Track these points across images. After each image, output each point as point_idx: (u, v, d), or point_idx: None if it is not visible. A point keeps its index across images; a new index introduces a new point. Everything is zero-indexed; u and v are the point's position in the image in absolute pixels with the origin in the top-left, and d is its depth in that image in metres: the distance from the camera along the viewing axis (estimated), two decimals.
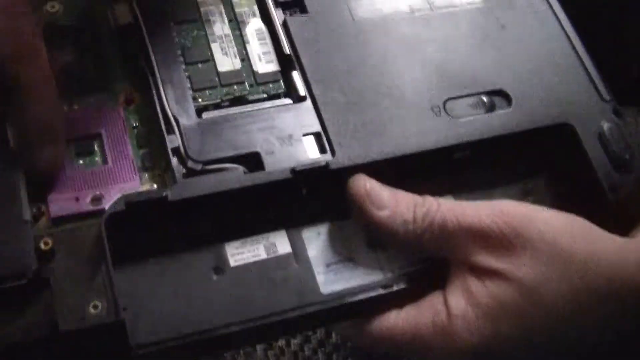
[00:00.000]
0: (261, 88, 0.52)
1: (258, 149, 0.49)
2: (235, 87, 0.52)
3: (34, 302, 0.44)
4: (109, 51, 0.52)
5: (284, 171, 0.48)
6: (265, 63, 0.53)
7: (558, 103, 0.54)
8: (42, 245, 0.45)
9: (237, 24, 0.54)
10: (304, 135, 0.50)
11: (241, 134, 0.50)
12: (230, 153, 0.49)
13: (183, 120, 0.49)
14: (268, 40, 0.54)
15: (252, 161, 0.49)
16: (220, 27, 0.53)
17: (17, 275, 0.43)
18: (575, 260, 0.47)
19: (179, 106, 0.50)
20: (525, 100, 0.54)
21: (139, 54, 0.51)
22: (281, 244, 0.49)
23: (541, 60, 0.56)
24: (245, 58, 0.53)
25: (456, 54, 0.55)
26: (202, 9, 0.54)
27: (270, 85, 0.52)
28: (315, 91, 0.51)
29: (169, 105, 0.50)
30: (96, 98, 0.51)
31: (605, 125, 0.53)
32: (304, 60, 0.52)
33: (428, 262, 0.50)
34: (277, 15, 0.54)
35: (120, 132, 0.50)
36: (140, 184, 0.49)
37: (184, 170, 0.48)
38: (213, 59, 0.52)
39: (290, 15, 0.55)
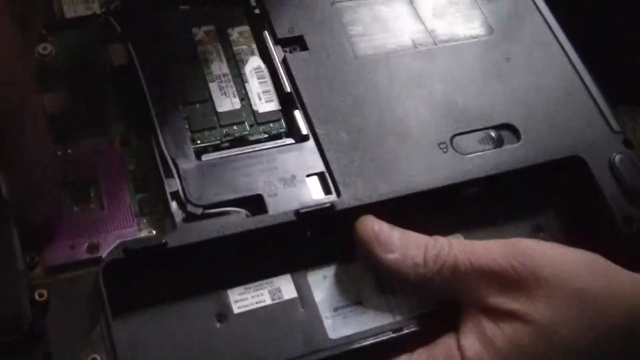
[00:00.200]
0: (262, 128, 0.51)
1: (260, 191, 0.48)
2: (235, 127, 0.50)
3: (29, 355, 0.42)
4: (103, 92, 0.50)
5: (288, 213, 0.47)
6: (265, 102, 0.51)
7: (567, 135, 0.53)
8: (37, 297, 0.43)
9: (235, 63, 0.53)
10: (308, 175, 0.49)
11: (242, 176, 0.48)
12: (232, 196, 0.47)
13: (182, 163, 0.48)
14: (268, 78, 0.52)
15: (255, 204, 0.47)
16: (218, 66, 0.52)
17: (11, 329, 0.41)
18: (592, 299, 0.46)
19: (177, 148, 0.48)
20: (534, 134, 0.52)
21: (135, 95, 0.50)
22: (286, 288, 0.47)
23: (548, 92, 0.54)
24: (244, 97, 0.51)
25: (462, 89, 0.53)
26: (199, 48, 0.52)
27: (271, 125, 0.51)
28: (318, 130, 0.50)
29: (166, 147, 0.48)
30: (91, 141, 0.49)
31: (617, 157, 0.52)
32: (305, 98, 0.51)
33: (439, 304, 0.48)
34: (276, 53, 0.53)
35: (116, 176, 0.48)
36: (138, 230, 0.47)
37: (183, 215, 0.47)
38: (211, 99, 0.51)
39: (290, 52, 0.53)
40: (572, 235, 0.51)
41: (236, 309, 0.46)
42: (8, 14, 0.43)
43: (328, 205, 0.47)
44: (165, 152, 0.48)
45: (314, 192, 0.48)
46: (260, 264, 0.47)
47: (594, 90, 0.54)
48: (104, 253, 0.45)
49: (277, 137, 0.51)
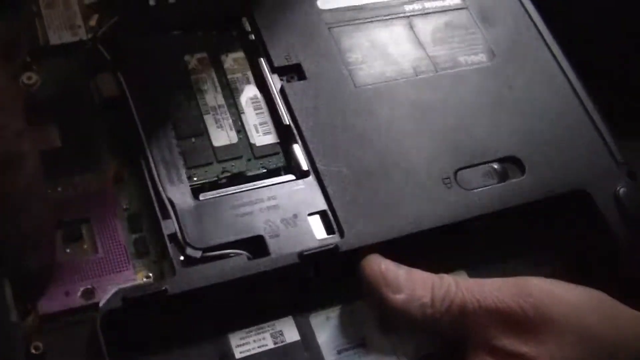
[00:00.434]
0: (260, 162, 0.49)
1: (261, 232, 0.46)
2: (232, 163, 0.48)
3: None
4: (93, 125, 0.48)
5: (291, 256, 0.45)
6: (262, 135, 0.50)
7: (571, 168, 0.52)
8: (33, 350, 0.42)
9: (230, 92, 0.51)
10: (310, 214, 0.47)
11: (242, 216, 0.46)
12: (232, 238, 0.46)
13: (179, 203, 0.46)
14: (265, 109, 0.50)
15: (256, 245, 0.46)
16: (213, 96, 0.50)
17: None
18: (599, 340, 0.45)
19: (173, 187, 0.46)
20: (538, 167, 0.51)
21: (127, 128, 0.47)
22: (288, 331, 0.46)
23: (551, 123, 0.53)
24: (241, 129, 0.50)
25: (464, 119, 0.52)
26: (192, 77, 0.50)
27: (270, 159, 0.49)
28: (319, 165, 0.48)
29: (162, 186, 0.46)
30: (82, 178, 0.47)
31: (621, 190, 0.51)
32: (305, 132, 0.49)
33: (445, 344, 0.47)
34: (273, 82, 0.51)
35: (110, 215, 0.46)
36: (134, 273, 0.45)
37: (182, 258, 0.45)
38: (207, 133, 0.49)
39: (288, 81, 0.51)
40: (576, 270, 0.50)
41: (238, 354, 0.45)
42: None
43: (332, 246, 0.46)
44: (162, 192, 0.46)
45: (316, 232, 0.47)
46: (261, 306, 0.46)
47: (597, 121, 0.53)
48: (99, 299, 0.43)
49: (276, 171, 0.49)
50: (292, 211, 0.47)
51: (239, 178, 0.48)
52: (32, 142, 0.42)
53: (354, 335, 0.47)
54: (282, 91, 0.50)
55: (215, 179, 0.48)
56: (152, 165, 0.46)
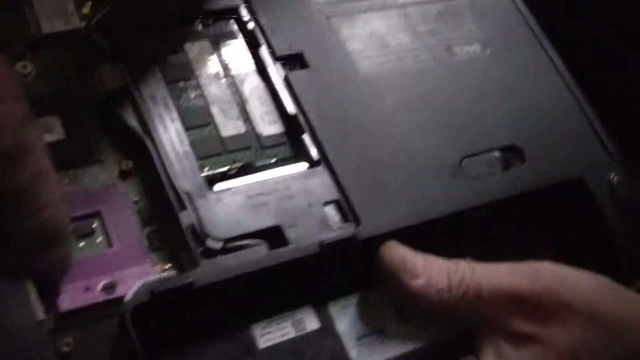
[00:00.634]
0: (268, 152, 0.48)
1: (279, 222, 0.45)
2: (241, 153, 0.48)
3: None
4: (95, 117, 0.46)
5: (312, 246, 0.45)
6: (268, 124, 0.49)
7: (568, 157, 0.53)
8: (64, 347, 0.40)
9: (233, 81, 0.50)
10: (324, 203, 0.47)
11: (258, 207, 0.46)
12: (250, 228, 0.45)
13: (194, 194, 0.45)
14: (269, 98, 0.50)
15: (274, 235, 0.45)
16: (217, 86, 0.49)
17: None
18: (610, 324, 0.46)
19: (186, 178, 0.45)
20: (537, 156, 0.52)
21: (133, 120, 0.46)
22: (309, 320, 0.46)
23: (546, 113, 0.55)
24: (247, 119, 0.49)
25: (464, 108, 0.53)
26: (194, 65, 0.49)
27: (277, 149, 0.49)
28: (330, 154, 0.48)
29: (176, 178, 0.45)
30: (87, 171, 0.45)
31: (615, 179, 0.53)
32: (313, 121, 0.49)
33: (460, 327, 0.48)
34: (276, 71, 0.50)
35: (121, 209, 0.45)
36: (153, 266, 0.44)
37: (201, 249, 0.44)
38: (214, 123, 0.48)
39: (290, 70, 0.51)
40: (573, 256, 0.51)
41: (262, 344, 0.44)
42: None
43: (350, 235, 0.46)
44: (177, 184, 0.45)
45: (331, 220, 0.47)
46: (281, 295, 0.45)
47: (589, 112, 0.55)
48: (121, 293, 0.42)
49: (284, 161, 0.48)
50: (306, 200, 0.47)
51: (249, 168, 0.47)
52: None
53: (372, 322, 0.47)
54: (287, 80, 0.50)
55: (226, 169, 0.47)
56: (164, 157, 0.45)
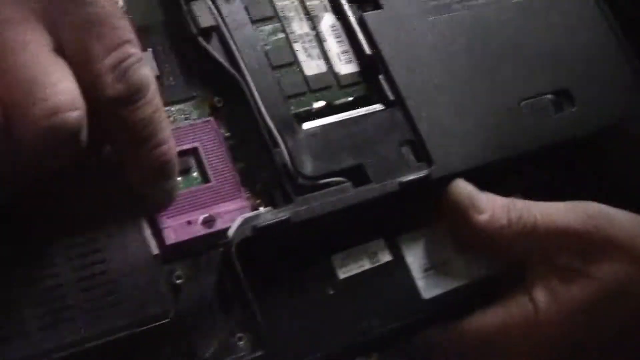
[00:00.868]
0: (345, 91, 0.51)
1: (361, 161, 0.48)
2: (324, 92, 0.50)
3: (172, 339, 0.42)
4: (188, 54, 0.48)
5: (392, 185, 0.48)
6: (345, 63, 0.51)
7: (615, 102, 0.56)
8: (176, 280, 0.43)
9: (312, 20, 0.51)
10: (400, 143, 0.50)
11: (343, 145, 0.48)
12: (336, 167, 0.48)
13: (286, 133, 0.47)
14: (344, 37, 0.52)
15: (357, 173, 0.48)
16: (299, 25, 0.51)
17: (157, 316, 0.41)
18: None
19: (277, 116, 0.47)
20: (586, 100, 0.55)
21: (224, 59, 0.48)
22: (382, 252, 0.49)
23: (594, 57, 0.57)
24: (326, 59, 0.51)
25: (520, 51, 0.55)
26: (276, 4, 0.50)
27: (354, 88, 0.51)
28: (405, 94, 0.50)
29: (268, 115, 0.47)
30: (182, 107, 0.47)
31: None
32: (388, 61, 0.51)
33: (514, 260, 0.52)
34: (351, 11, 0.52)
35: (215, 144, 0.47)
36: (246, 200, 0.46)
37: (292, 187, 0.47)
38: (298, 62, 0.50)
39: (364, 10, 0.52)
40: (613, 201, 0.54)
41: (341, 275, 0.48)
42: None
43: (426, 174, 0.49)
44: (270, 123, 0.47)
45: (407, 160, 0.50)
46: (358, 229, 0.49)
47: (629, 54, 0.58)
48: (220, 227, 0.45)
49: (361, 100, 0.51)
50: (383, 140, 0.49)
51: (331, 107, 0.50)
52: None
53: (437, 254, 0.51)
54: (362, 20, 0.52)
55: (309, 107, 0.49)
56: (256, 94, 0.47)
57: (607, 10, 0.59)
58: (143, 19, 0.48)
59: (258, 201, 0.47)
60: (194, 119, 0.47)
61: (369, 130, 0.49)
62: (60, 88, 0.36)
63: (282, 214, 0.45)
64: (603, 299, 0.50)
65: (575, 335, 0.50)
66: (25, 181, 0.38)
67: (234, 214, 0.46)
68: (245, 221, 0.45)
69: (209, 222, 0.45)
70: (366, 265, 0.49)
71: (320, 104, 0.50)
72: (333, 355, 0.47)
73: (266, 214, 0.45)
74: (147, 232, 0.43)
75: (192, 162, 0.46)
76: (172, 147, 0.41)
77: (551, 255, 0.51)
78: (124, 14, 0.40)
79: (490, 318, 0.50)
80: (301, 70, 0.50)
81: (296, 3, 0.51)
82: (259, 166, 0.47)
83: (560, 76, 0.56)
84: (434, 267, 0.50)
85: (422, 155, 0.50)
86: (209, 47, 0.47)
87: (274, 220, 0.45)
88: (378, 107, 0.51)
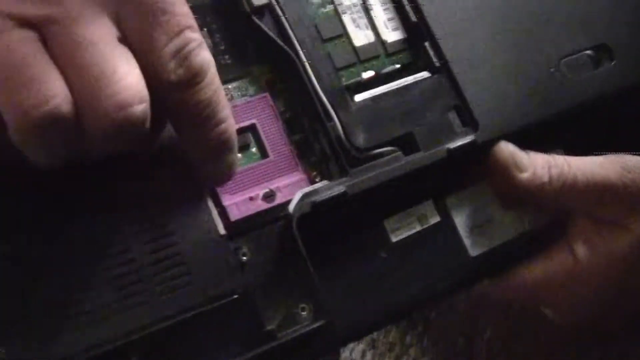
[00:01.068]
0: (392, 59, 0.52)
1: (410, 129, 0.50)
2: (372, 62, 0.52)
3: (240, 314, 0.45)
4: (242, 32, 0.49)
5: (441, 151, 0.50)
6: (391, 31, 0.52)
7: None
8: (243, 257, 0.46)
9: None
10: (446, 109, 0.52)
11: (392, 115, 0.50)
12: (386, 137, 0.50)
13: (338, 106, 0.49)
14: (390, 5, 0.53)
15: (406, 141, 0.50)
16: None
17: (226, 293, 0.44)
18: None
19: (329, 89, 0.49)
20: (625, 54, 0.56)
21: (277, 35, 0.49)
22: (431, 214, 0.52)
23: (628, 8, 0.57)
24: (374, 27, 0.52)
25: (557, 7, 0.56)
26: None
27: (400, 55, 0.52)
28: (450, 60, 0.52)
29: (321, 89, 0.49)
30: (238, 86, 0.49)
31: None
32: (433, 28, 0.52)
33: (555, 214, 0.54)
34: None
35: (272, 120, 0.49)
36: (303, 172, 0.49)
37: (346, 159, 0.49)
38: (347, 33, 0.51)
39: None
40: None
41: (394, 238, 0.51)
42: None
43: (472, 139, 0.51)
44: (323, 97, 0.49)
45: (454, 125, 0.52)
46: (408, 193, 0.51)
47: None
48: (280, 201, 0.47)
49: (408, 67, 0.52)
50: (430, 107, 0.51)
51: (380, 77, 0.52)
52: None
53: (482, 212, 0.53)
54: None
55: (360, 78, 0.51)
56: (309, 70, 0.49)
57: None
58: None
59: (314, 173, 0.49)
60: (251, 95, 0.49)
61: (416, 98, 0.51)
62: (127, 83, 0.38)
63: (338, 187, 0.47)
64: (637, 252, 0.53)
65: (613, 288, 0.53)
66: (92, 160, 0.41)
67: (293, 188, 0.48)
68: (305, 196, 0.47)
69: (269, 196, 0.48)
70: (417, 227, 0.51)
71: (369, 74, 0.51)
72: (390, 317, 0.50)
73: (323, 189, 0.48)
74: (214, 213, 0.45)
75: (250, 138, 0.48)
76: (231, 124, 0.44)
77: (591, 209, 0.53)
78: (183, 1, 0.41)
79: (533, 270, 0.53)
80: (350, 42, 0.51)
81: None
82: (314, 139, 0.49)
83: (597, 31, 0.57)
84: (480, 225, 0.53)
85: (468, 119, 0.52)
86: (262, 25, 0.49)
87: (331, 195, 0.47)
88: (424, 74, 0.52)
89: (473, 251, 0.52)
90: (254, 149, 0.48)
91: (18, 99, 0.36)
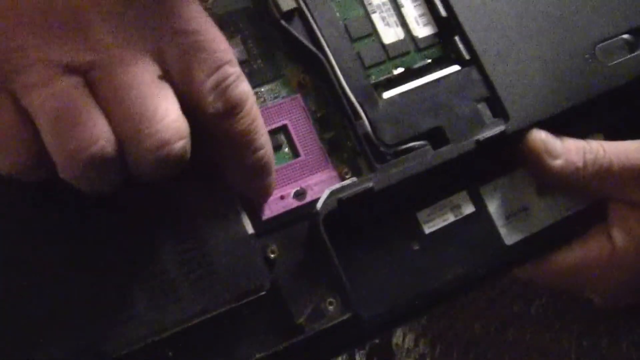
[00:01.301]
0: (423, 54, 0.53)
1: (439, 123, 0.52)
2: (402, 58, 0.53)
3: (269, 309, 0.48)
4: (273, 37, 0.51)
5: (469, 143, 0.51)
6: (422, 26, 0.54)
7: None
8: (271, 255, 0.48)
9: None
10: (476, 101, 0.53)
11: (421, 110, 0.52)
12: (415, 131, 0.51)
13: (366, 104, 0.51)
14: (422, 1, 0.54)
15: (436, 135, 0.52)
16: None
17: (254, 290, 0.46)
18: None
19: (357, 89, 0.51)
20: None
21: (306, 37, 0.51)
22: (465, 204, 0.53)
23: None
24: (404, 24, 0.53)
25: None
26: None
27: (431, 50, 0.54)
28: (480, 52, 0.53)
29: (349, 89, 0.51)
30: (271, 88, 0.51)
31: None
32: (463, 22, 0.53)
33: (592, 200, 0.55)
34: None
35: (303, 120, 0.51)
36: (334, 170, 0.51)
37: (375, 155, 0.50)
38: (376, 32, 0.53)
39: None
40: None
41: (427, 230, 0.52)
42: None
43: (502, 129, 0.52)
44: (351, 96, 0.50)
45: (485, 116, 0.53)
46: (440, 185, 0.52)
47: None
48: (310, 198, 0.50)
49: (439, 61, 0.53)
50: (460, 99, 0.52)
51: (410, 73, 0.53)
52: None
53: (517, 201, 0.54)
54: None
55: (390, 75, 0.52)
56: (338, 71, 0.51)
57: None
58: (233, 5, 0.51)
59: (345, 170, 0.51)
60: (283, 97, 0.51)
61: (446, 91, 0.52)
62: (166, 122, 0.41)
63: (365, 184, 0.49)
64: None
65: None
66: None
67: (323, 185, 0.50)
68: (332, 193, 0.49)
69: (300, 195, 0.50)
70: (450, 218, 0.53)
71: (399, 70, 0.53)
72: (419, 308, 0.52)
73: (350, 185, 0.49)
74: (243, 213, 0.48)
75: (282, 139, 0.51)
76: (269, 150, 0.47)
77: (627, 194, 0.54)
78: (223, 38, 0.44)
79: (571, 256, 0.54)
80: (380, 40, 0.53)
81: None
82: (345, 136, 0.51)
83: (634, 13, 0.56)
84: (515, 213, 0.54)
85: (499, 110, 0.52)
86: (291, 29, 0.51)
87: (357, 191, 0.49)
88: (454, 68, 0.53)
89: (508, 240, 0.53)
90: (286, 149, 0.51)
91: (65, 142, 0.39)
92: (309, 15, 0.51)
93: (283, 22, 0.51)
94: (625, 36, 0.56)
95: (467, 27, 0.53)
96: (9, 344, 0.43)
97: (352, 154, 0.51)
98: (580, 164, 0.53)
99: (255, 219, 0.48)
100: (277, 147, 0.50)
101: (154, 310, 0.45)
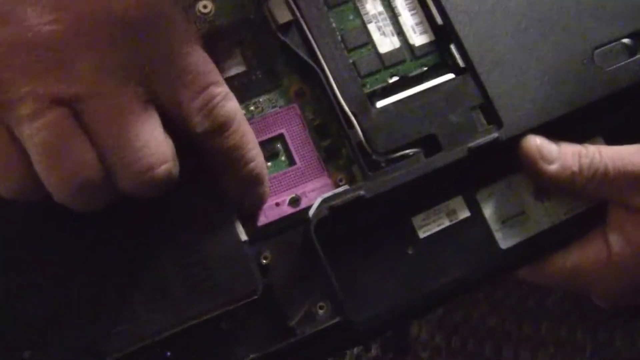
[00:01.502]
0: (419, 62, 0.55)
1: (433, 131, 0.53)
2: (397, 67, 0.54)
3: (262, 313, 0.50)
4: (271, 47, 0.53)
5: (461, 150, 0.52)
6: (419, 34, 0.55)
7: None
8: (264, 260, 0.51)
9: None
10: (470, 108, 0.53)
11: (414, 118, 0.53)
12: (409, 139, 0.52)
13: (360, 113, 0.52)
14: (419, 9, 0.55)
15: (429, 142, 0.53)
16: (373, 5, 0.54)
17: (247, 294, 0.49)
18: None
19: (351, 98, 0.52)
20: None
21: (303, 48, 0.53)
22: (460, 209, 0.54)
23: None
24: (400, 32, 0.54)
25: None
26: None
27: (428, 58, 0.55)
28: (475, 60, 0.53)
29: (343, 98, 0.52)
30: (268, 98, 0.53)
31: None
32: (458, 30, 0.53)
33: (588, 205, 0.55)
34: None
35: (299, 128, 0.53)
36: (329, 177, 0.52)
37: (367, 163, 0.52)
38: (372, 41, 0.54)
39: None
40: None
41: (421, 234, 0.53)
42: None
43: (495, 137, 0.52)
44: (345, 106, 0.52)
45: (478, 124, 0.53)
46: (434, 190, 0.54)
47: None
48: (304, 205, 0.52)
49: (435, 69, 0.54)
50: (454, 107, 0.53)
51: (405, 81, 0.54)
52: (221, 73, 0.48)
53: (513, 205, 0.55)
54: None
55: (385, 84, 0.54)
56: (332, 81, 0.52)
57: None
58: (232, 18, 0.53)
59: (340, 177, 0.53)
60: (280, 107, 0.53)
61: (440, 99, 0.53)
62: (149, 149, 0.44)
63: (356, 191, 0.51)
64: None
65: None
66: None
67: (318, 192, 0.52)
68: (324, 201, 0.51)
69: (295, 202, 0.52)
70: (445, 223, 0.54)
71: (395, 79, 0.54)
72: (413, 312, 0.53)
73: (342, 193, 0.51)
74: (237, 221, 0.50)
75: (279, 147, 0.53)
76: (260, 161, 0.49)
77: (624, 198, 0.54)
78: (208, 59, 0.47)
79: (568, 259, 0.55)
80: (375, 49, 0.54)
81: None
82: (341, 144, 0.53)
83: (633, 18, 0.56)
84: (511, 217, 0.55)
85: (492, 117, 0.53)
86: (287, 41, 0.53)
87: (348, 199, 0.50)
88: (449, 76, 0.54)
89: (504, 244, 0.54)
90: (282, 157, 0.53)
91: (54, 171, 0.43)
92: (305, 27, 0.53)
93: (280, 34, 0.53)
94: (625, 40, 0.55)
95: (462, 35, 0.54)
96: (9, 344, 0.46)
97: (347, 162, 0.53)
98: (575, 168, 0.53)
99: (251, 225, 0.51)
100: (273, 156, 0.53)
101: (151, 312, 0.48)
